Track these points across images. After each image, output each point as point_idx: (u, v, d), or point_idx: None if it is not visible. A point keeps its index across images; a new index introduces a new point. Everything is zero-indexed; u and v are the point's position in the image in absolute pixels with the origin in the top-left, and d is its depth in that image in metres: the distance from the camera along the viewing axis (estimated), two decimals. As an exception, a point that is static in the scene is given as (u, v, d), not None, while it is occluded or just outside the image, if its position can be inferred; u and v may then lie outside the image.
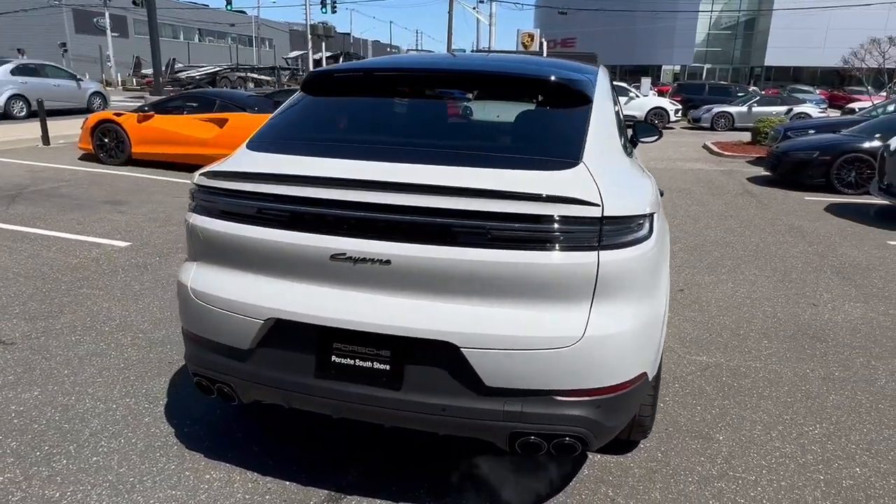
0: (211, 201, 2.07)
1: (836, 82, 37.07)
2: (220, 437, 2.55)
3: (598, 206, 1.77)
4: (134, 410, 2.73)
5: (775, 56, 38.43)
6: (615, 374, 1.86)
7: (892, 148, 6.93)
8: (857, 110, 19.07)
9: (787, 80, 38.57)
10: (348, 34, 59.00)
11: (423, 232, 1.81)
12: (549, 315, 1.81)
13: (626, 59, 41.60)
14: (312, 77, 2.49)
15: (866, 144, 8.54)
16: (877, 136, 8.59)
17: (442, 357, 1.84)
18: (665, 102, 20.10)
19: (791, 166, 9.10)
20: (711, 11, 41.57)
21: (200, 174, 2.11)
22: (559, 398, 1.83)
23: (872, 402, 2.95)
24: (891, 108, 10.96)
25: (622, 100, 21.16)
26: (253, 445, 2.49)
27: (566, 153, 1.97)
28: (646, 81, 26.58)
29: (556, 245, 1.77)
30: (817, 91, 30.02)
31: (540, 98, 2.30)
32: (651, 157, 12.08)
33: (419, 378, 1.88)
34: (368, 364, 1.91)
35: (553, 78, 2.23)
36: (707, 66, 42.76)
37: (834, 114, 21.08)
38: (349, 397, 1.93)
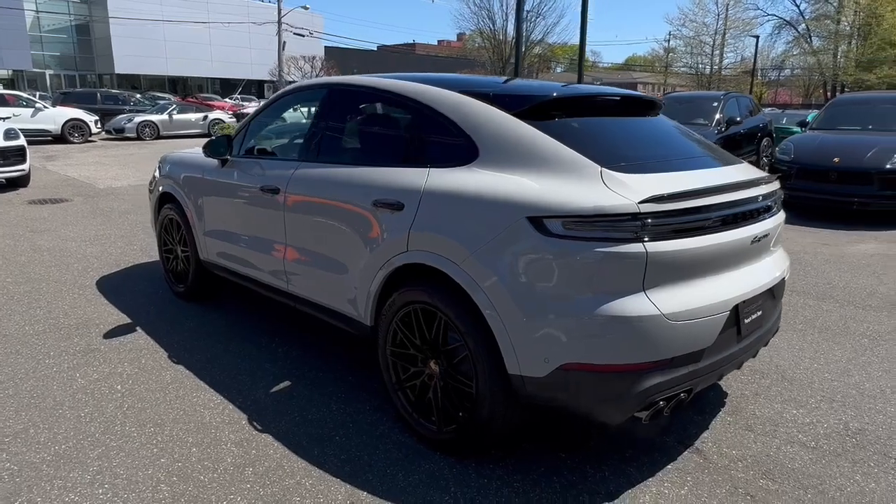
0: (666, 224, 2.14)
1: (180, 90, 40.78)
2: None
3: None
4: None
5: (125, 64, 38.63)
6: None
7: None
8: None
9: (140, 87, 39.61)
10: None
11: (773, 209, 2.62)
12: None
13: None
14: (552, 101, 2.58)
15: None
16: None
17: (774, 288, 2.70)
18: (82, 113, 18.16)
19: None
20: (38, 12, 37.60)
21: (645, 201, 2.09)
22: None
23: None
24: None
25: (26, 112, 17.94)
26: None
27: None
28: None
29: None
30: (174, 98, 32.50)
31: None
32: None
33: (770, 311, 2.68)
34: (758, 314, 2.56)
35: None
36: (49, 71, 38.79)
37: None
38: (750, 346, 2.54)
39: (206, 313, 4.28)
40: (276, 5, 34.99)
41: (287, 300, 3.48)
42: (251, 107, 26.31)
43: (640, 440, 2.72)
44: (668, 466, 2.54)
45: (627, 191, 2.16)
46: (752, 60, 41.17)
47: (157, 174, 4.74)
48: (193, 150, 4.52)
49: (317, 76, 16.72)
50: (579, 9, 14.52)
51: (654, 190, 2.17)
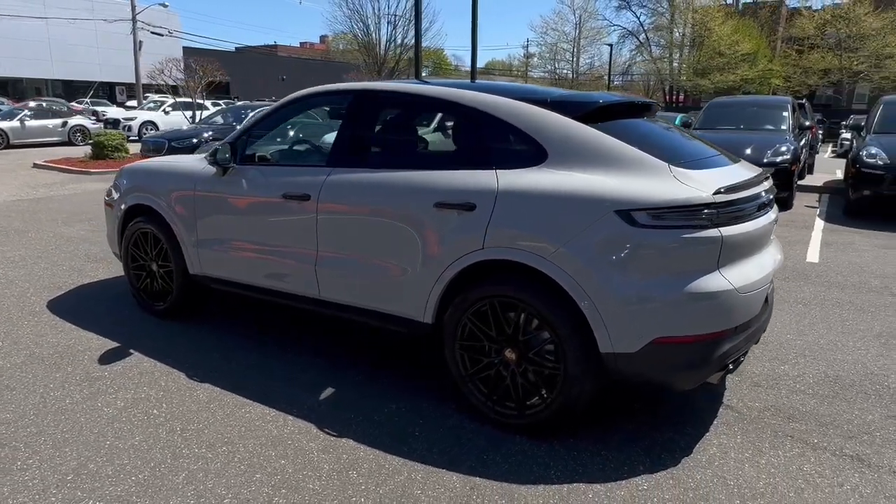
0: (730, 212, 2.50)
1: (12, 92, 36.29)
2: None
3: None
4: None
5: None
6: None
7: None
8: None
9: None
10: None
11: (773, 200, 3.08)
12: None
13: None
14: (603, 107, 2.87)
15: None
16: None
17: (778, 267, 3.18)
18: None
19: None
20: None
21: (717, 193, 2.44)
22: None
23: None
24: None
25: None
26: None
27: None
28: None
29: None
30: (7, 101, 28.89)
31: None
32: None
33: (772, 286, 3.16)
34: (772, 287, 3.02)
35: None
36: None
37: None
38: (769, 314, 3.00)
39: (194, 330, 4.07)
40: (129, 2, 32.22)
41: (317, 307, 3.45)
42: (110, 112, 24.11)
43: (679, 405, 3.09)
44: (715, 422, 2.93)
45: (698, 184, 2.50)
46: (605, 66, 44.95)
47: (119, 187, 4.40)
48: (168, 158, 4.28)
49: (201, 78, 15.67)
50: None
51: (717, 183, 2.53)
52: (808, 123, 10.37)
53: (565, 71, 48.80)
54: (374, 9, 37.93)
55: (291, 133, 4.41)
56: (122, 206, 4.32)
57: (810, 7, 38.96)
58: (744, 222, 2.60)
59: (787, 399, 3.17)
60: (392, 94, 3.35)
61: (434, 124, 3.26)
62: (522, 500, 2.35)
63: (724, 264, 2.52)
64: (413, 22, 37.49)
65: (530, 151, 2.78)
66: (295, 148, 3.97)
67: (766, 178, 3.02)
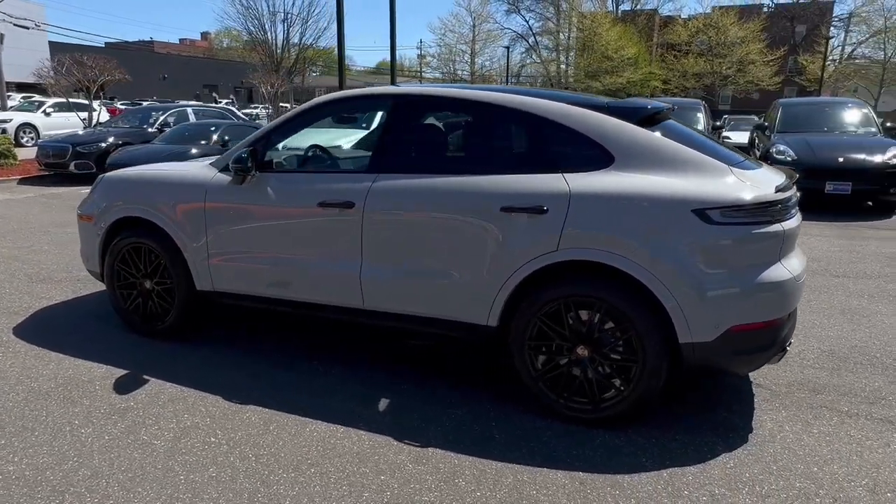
0: (786, 208, 2.75)
1: None
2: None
3: None
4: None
5: None
6: None
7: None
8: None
9: None
10: None
11: None
12: None
13: None
14: (651, 113, 3.05)
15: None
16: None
17: None
18: None
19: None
20: None
21: (777, 191, 2.69)
22: None
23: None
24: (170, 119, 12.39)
25: None
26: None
27: None
28: None
29: None
30: None
31: None
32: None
33: None
34: None
35: None
36: None
37: None
38: None
39: (190, 348, 3.79)
40: (-15, -10, 28.76)
41: (360, 318, 3.35)
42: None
43: (715, 387, 3.34)
44: (756, 400, 3.21)
45: (758, 184, 2.73)
46: (500, 68, 46.44)
47: (99, 199, 4.00)
48: (162, 165, 3.96)
49: (96, 78, 14.15)
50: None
51: (772, 183, 2.77)
52: (718, 124, 11.40)
53: (462, 72, 49.84)
54: (268, 5, 36.63)
55: (312, 138, 4.22)
56: (106, 221, 3.93)
57: (680, 16, 42.55)
58: (793, 218, 2.86)
59: (802, 374, 3.52)
60: (446, 100, 3.33)
61: (490, 130, 3.27)
62: (632, 488, 2.46)
63: (783, 256, 2.77)
64: (308, 22, 36.71)
65: (596, 155, 2.89)
66: (321, 154, 3.81)
67: (795, 181, 3.33)
